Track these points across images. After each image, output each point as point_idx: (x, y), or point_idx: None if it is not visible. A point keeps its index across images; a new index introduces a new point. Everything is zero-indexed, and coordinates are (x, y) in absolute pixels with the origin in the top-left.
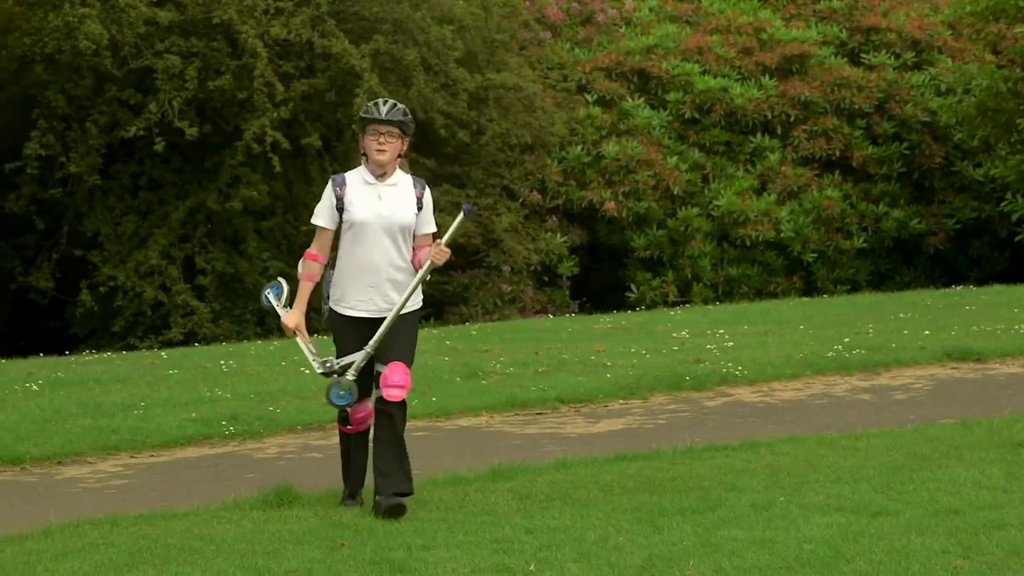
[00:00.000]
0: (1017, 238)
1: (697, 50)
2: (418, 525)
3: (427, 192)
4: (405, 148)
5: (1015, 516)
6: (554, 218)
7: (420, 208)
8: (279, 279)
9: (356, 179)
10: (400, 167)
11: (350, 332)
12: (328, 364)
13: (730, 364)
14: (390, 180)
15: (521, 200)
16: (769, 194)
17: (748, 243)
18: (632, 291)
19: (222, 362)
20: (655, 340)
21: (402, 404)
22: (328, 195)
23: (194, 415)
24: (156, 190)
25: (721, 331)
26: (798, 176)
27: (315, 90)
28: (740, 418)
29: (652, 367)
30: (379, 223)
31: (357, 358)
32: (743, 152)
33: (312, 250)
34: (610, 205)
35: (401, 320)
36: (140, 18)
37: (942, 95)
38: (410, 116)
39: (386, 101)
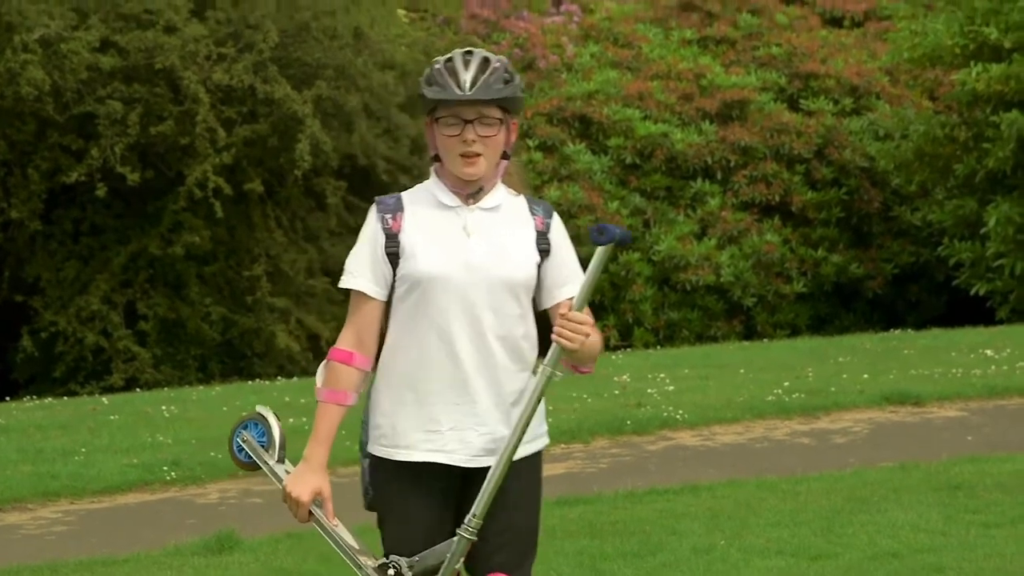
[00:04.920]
0: (954, 282)
1: (638, 96)
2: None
3: (557, 221)
4: (513, 140)
5: (953, 559)
6: None
7: (546, 251)
8: (260, 411)
9: (423, 200)
10: (504, 180)
11: (415, 497)
12: (392, 569)
13: (671, 408)
14: (486, 201)
15: None
16: (709, 239)
17: (689, 287)
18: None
19: (163, 407)
20: (596, 384)
21: None
22: (371, 232)
23: (135, 461)
24: (98, 235)
25: (662, 375)
26: (738, 221)
27: (257, 135)
28: (681, 462)
29: (593, 411)
30: (466, 280)
31: (447, 553)
32: (684, 197)
33: (342, 343)
34: None
35: (515, 472)
36: (82, 64)
37: (880, 140)
38: (517, 80)
39: (468, 57)
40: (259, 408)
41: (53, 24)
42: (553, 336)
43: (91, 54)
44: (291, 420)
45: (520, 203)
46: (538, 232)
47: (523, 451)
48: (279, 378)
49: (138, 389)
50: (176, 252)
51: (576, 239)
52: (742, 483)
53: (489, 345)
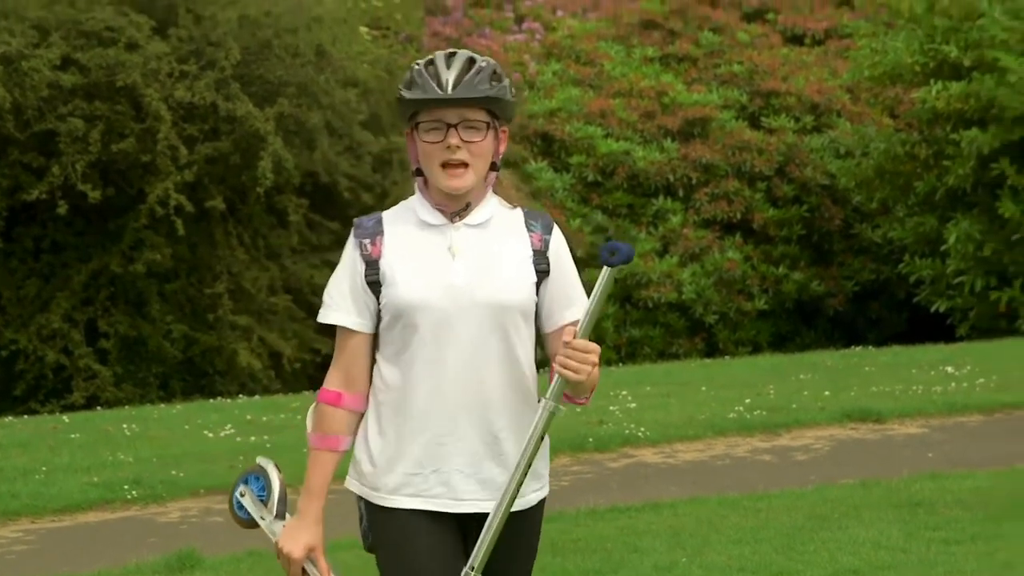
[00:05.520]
0: (915, 300)
1: (600, 113)
2: None
3: (557, 237)
4: (503, 149)
5: None
6: None
7: (545, 271)
8: (261, 463)
9: (404, 220)
10: (498, 192)
11: (410, 544)
12: None
13: (633, 425)
14: (474, 217)
15: None
16: (671, 256)
17: (650, 305)
18: (536, 352)
19: (124, 426)
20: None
21: None
22: (350, 260)
23: (96, 479)
24: (58, 253)
25: (624, 392)
26: (700, 238)
27: (219, 153)
28: (643, 479)
29: (555, 428)
30: (451, 306)
31: None
32: (645, 215)
33: (329, 383)
34: None
35: (521, 530)
36: (43, 81)
37: (841, 158)
38: (506, 82)
39: (451, 58)
40: (260, 460)
41: (14, 42)
42: (556, 367)
43: (52, 71)
44: (252, 438)
45: (515, 217)
46: (535, 251)
47: (527, 501)
48: (241, 396)
49: (99, 407)
50: (137, 270)
51: None
52: (704, 500)
53: (479, 377)
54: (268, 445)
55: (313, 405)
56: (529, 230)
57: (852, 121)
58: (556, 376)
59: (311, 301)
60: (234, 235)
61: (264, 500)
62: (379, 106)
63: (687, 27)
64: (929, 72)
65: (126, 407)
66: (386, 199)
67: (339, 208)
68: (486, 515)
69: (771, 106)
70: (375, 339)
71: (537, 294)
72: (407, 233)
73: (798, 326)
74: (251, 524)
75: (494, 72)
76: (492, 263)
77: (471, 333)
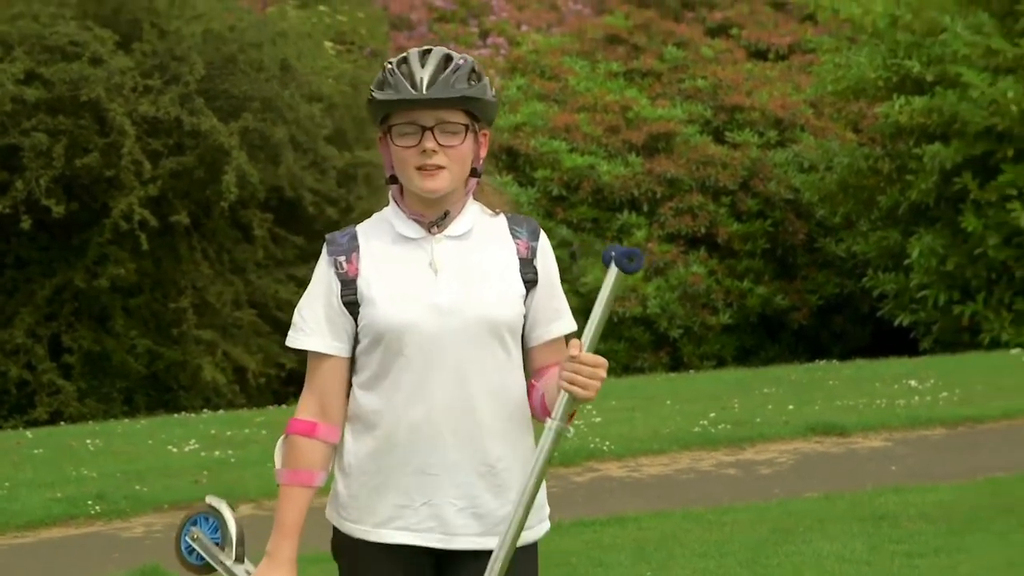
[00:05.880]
0: (878, 313)
1: (564, 128)
2: None
3: (544, 244)
4: (483, 154)
5: None
6: None
7: (532, 281)
8: (211, 502)
9: (380, 233)
10: (478, 199)
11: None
12: None
13: (598, 439)
14: (455, 227)
15: None
16: None
17: (615, 319)
18: None
19: (88, 441)
20: None
21: None
22: (323, 279)
23: (59, 495)
24: (22, 268)
25: (588, 406)
26: (664, 253)
27: (184, 167)
28: (607, 493)
29: None
30: (437, 327)
31: None
32: (610, 229)
33: (302, 412)
34: None
35: (520, 561)
36: (6, 96)
37: (805, 172)
38: (486, 81)
39: (425, 56)
40: (210, 499)
41: None
42: (562, 383)
43: (16, 86)
44: (216, 453)
45: (499, 224)
46: (521, 259)
47: (525, 536)
48: (205, 411)
49: (63, 423)
50: (101, 284)
51: None
52: (668, 514)
53: (469, 401)
54: (232, 460)
55: (281, 439)
56: (514, 237)
57: (816, 136)
58: (562, 394)
59: (276, 315)
60: (198, 250)
61: (218, 543)
62: (344, 121)
63: (651, 42)
64: (892, 87)
65: (90, 422)
66: (351, 213)
67: (304, 223)
68: (474, 552)
69: (735, 121)
70: (351, 363)
71: (524, 305)
72: (385, 248)
73: (762, 340)
74: (205, 569)
75: (472, 70)
76: (477, 278)
77: (458, 355)
